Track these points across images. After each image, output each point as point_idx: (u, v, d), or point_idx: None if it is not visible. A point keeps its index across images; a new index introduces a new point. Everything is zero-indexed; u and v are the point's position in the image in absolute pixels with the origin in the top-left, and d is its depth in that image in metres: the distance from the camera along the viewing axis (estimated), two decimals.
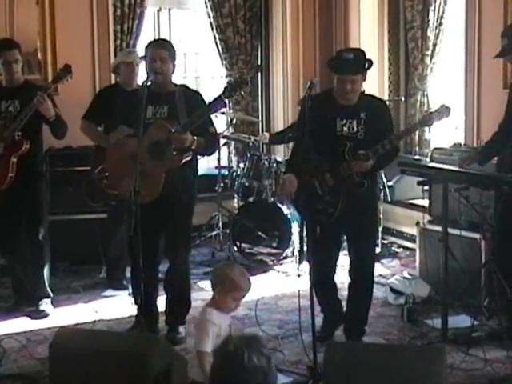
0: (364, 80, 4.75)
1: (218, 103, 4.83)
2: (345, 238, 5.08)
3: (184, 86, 5.15)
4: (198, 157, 5.17)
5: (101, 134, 5.92)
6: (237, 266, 4.14)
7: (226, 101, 6.70)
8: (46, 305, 5.69)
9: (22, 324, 5.46)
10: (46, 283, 5.73)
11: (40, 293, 5.70)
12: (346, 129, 4.71)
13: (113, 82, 7.30)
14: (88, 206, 6.35)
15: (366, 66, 4.71)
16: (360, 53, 4.81)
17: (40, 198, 5.69)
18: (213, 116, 5.15)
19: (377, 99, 5.06)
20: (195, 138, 4.78)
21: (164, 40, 5.34)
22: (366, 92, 5.06)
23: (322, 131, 4.57)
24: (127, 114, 4.89)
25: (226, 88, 4.82)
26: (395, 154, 4.89)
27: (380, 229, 7.17)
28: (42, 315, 5.60)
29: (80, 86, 7.15)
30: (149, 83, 4.74)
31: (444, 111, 4.76)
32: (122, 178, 4.83)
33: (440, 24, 7.26)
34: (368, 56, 7.64)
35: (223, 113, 7.35)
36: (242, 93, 6.93)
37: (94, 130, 6.01)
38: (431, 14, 7.27)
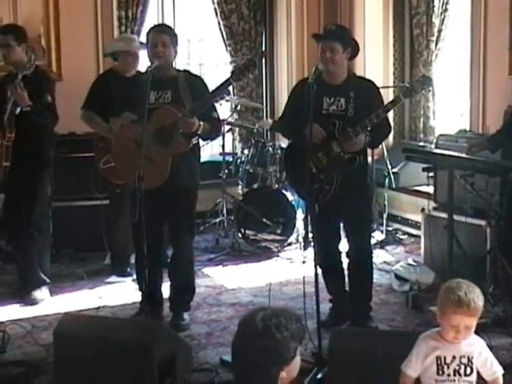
0: (347, 55, 4.78)
1: (226, 86, 4.81)
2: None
3: (186, 71, 5.14)
4: (201, 143, 5.16)
5: (102, 124, 5.85)
6: (454, 283, 3.12)
7: (230, 88, 6.73)
8: (39, 291, 5.66)
9: (26, 310, 5.46)
10: (39, 270, 5.70)
11: (33, 279, 5.69)
12: (334, 107, 4.78)
13: None
14: (93, 192, 6.33)
15: (350, 43, 4.78)
16: (344, 28, 5.03)
17: (40, 186, 5.66)
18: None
19: (366, 79, 5.15)
20: (201, 122, 4.77)
21: (165, 25, 5.30)
22: (374, 81, 5.11)
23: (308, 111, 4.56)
24: (129, 100, 4.87)
25: (233, 71, 4.81)
26: (388, 130, 4.97)
27: (385, 215, 7.16)
28: (34, 302, 5.58)
29: (84, 72, 7.14)
30: (152, 68, 4.71)
31: (426, 81, 4.84)
32: (127, 165, 4.79)
33: (445, 10, 7.22)
34: (373, 42, 7.68)
35: (227, 100, 7.31)
36: (251, 76, 6.92)
37: (94, 120, 5.94)
38: None
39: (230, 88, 7.08)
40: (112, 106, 5.19)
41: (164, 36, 4.85)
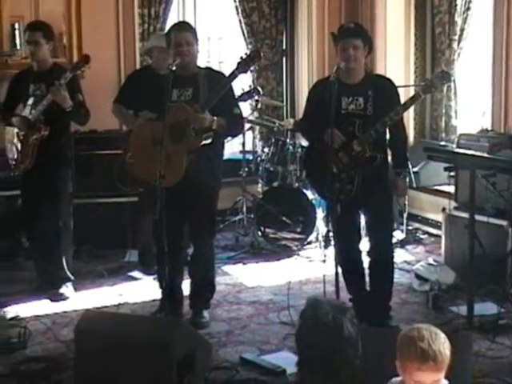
0: (366, 53, 4.81)
1: (232, 79, 4.81)
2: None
3: (208, 68, 5.14)
4: (224, 140, 5.15)
5: (131, 117, 5.85)
6: (415, 331, 2.71)
7: (260, 89, 6.77)
8: (65, 288, 5.71)
9: (47, 306, 5.49)
10: (65, 267, 5.74)
11: (60, 276, 5.73)
12: (352, 106, 4.78)
13: (138, 66, 7.31)
14: (116, 189, 6.30)
15: (368, 40, 4.84)
16: (361, 25, 5.07)
17: (61, 183, 5.69)
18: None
19: (384, 78, 5.18)
20: (215, 118, 4.76)
21: (186, 23, 5.29)
22: (394, 80, 5.12)
23: (328, 111, 4.55)
24: (154, 98, 4.88)
25: (239, 63, 4.80)
26: (406, 141, 5.09)
27: (405, 215, 7.13)
28: (61, 298, 5.62)
29: (105, 70, 7.17)
30: (174, 67, 4.71)
31: (445, 76, 4.86)
32: (145, 162, 4.81)
33: (468, 8, 7.17)
34: (394, 40, 7.66)
35: (257, 100, 7.30)
36: (256, 67, 6.90)
37: (124, 114, 5.92)
38: None
39: (260, 88, 7.14)
40: (141, 102, 5.20)
41: (187, 34, 4.85)
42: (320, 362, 2.63)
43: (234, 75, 4.78)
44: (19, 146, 5.56)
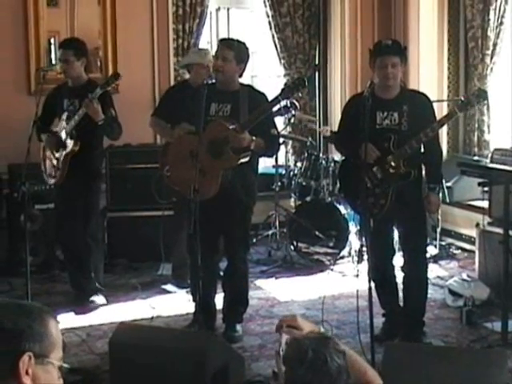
0: (403, 68, 4.83)
1: (274, 104, 4.83)
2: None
3: (249, 87, 5.17)
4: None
5: (169, 131, 5.90)
6: None
7: (297, 103, 6.78)
8: (96, 296, 5.77)
9: (81, 319, 5.54)
10: (94, 280, 5.80)
11: (89, 288, 5.79)
12: (387, 121, 4.79)
13: (172, 80, 7.38)
14: (150, 202, 6.31)
15: (405, 56, 4.88)
16: (398, 42, 5.07)
17: (92, 197, 5.77)
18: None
19: (419, 93, 5.18)
20: (254, 138, 4.78)
21: (233, 40, 5.17)
22: (428, 94, 5.12)
23: (363, 126, 4.55)
24: (191, 110, 4.92)
25: (283, 89, 4.83)
26: (440, 155, 5.06)
27: (438, 230, 7.10)
28: (92, 306, 5.68)
29: (139, 85, 7.24)
30: (213, 81, 4.75)
31: (482, 94, 4.83)
32: (182, 174, 4.86)
33: (501, 23, 7.16)
34: (427, 56, 7.66)
35: (294, 115, 7.32)
36: (300, 94, 6.95)
37: (162, 127, 5.93)
38: (492, 13, 7.16)
39: (297, 103, 7.16)
40: (179, 116, 5.23)
41: (227, 51, 4.87)
42: None
43: (276, 101, 4.81)
44: (53, 160, 5.64)
